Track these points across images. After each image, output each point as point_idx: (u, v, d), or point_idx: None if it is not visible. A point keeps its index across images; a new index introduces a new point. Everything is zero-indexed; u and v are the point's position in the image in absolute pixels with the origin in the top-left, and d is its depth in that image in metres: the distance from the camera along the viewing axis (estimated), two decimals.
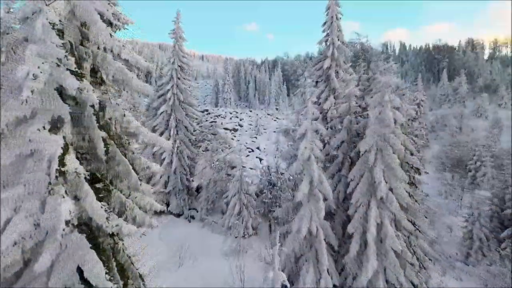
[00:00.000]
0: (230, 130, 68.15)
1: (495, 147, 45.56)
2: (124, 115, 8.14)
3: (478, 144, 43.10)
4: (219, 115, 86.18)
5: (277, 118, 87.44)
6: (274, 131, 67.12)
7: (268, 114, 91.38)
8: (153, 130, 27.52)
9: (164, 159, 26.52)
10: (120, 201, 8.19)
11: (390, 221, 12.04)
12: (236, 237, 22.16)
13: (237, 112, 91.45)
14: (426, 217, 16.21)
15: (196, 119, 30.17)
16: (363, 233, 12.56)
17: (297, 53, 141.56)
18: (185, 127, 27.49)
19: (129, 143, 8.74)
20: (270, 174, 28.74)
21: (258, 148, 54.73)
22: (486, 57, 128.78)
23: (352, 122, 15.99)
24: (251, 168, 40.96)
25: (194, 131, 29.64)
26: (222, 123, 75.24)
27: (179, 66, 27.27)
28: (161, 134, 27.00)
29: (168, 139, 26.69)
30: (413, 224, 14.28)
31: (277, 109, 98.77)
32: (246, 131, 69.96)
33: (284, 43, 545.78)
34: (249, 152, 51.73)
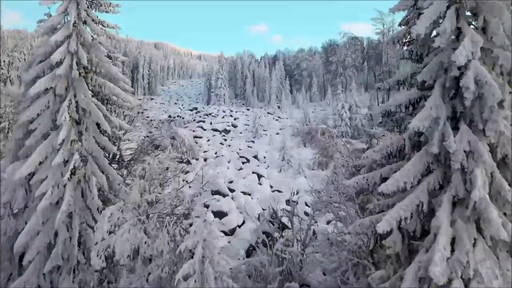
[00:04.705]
0: (220, 132, 53.27)
1: None
2: None
3: None
4: (209, 114, 71.57)
5: (279, 117, 72.81)
6: (277, 133, 52.14)
7: (268, 113, 76.37)
8: (28, 130, 12.90)
9: (44, 194, 11.91)
10: None
11: None
12: None
13: (231, 111, 76.65)
14: None
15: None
16: None
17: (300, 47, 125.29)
18: (98, 124, 12.94)
19: None
20: (280, 220, 14.79)
21: (256, 157, 39.19)
22: None
23: None
24: (244, 193, 26.09)
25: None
26: (211, 123, 60.60)
27: None
28: (44, 138, 12.47)
29: (58, 150, 12.16)
30: None
31: (279, 107, 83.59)
32: (241, 133, 54.88)
33: (291, 45, 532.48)
34: (243, 163, 36.48)
